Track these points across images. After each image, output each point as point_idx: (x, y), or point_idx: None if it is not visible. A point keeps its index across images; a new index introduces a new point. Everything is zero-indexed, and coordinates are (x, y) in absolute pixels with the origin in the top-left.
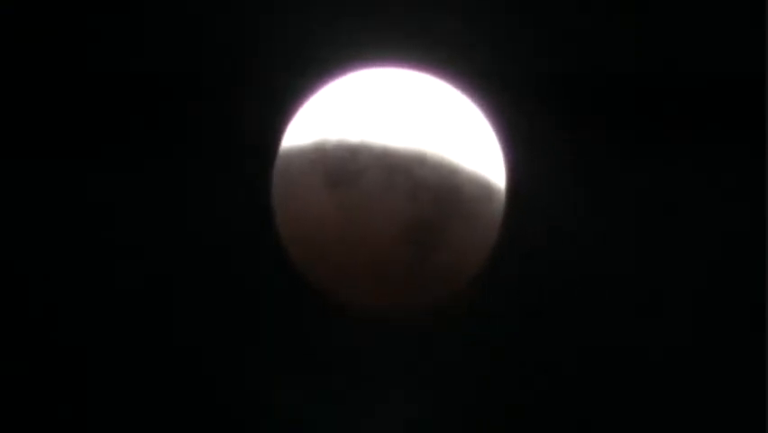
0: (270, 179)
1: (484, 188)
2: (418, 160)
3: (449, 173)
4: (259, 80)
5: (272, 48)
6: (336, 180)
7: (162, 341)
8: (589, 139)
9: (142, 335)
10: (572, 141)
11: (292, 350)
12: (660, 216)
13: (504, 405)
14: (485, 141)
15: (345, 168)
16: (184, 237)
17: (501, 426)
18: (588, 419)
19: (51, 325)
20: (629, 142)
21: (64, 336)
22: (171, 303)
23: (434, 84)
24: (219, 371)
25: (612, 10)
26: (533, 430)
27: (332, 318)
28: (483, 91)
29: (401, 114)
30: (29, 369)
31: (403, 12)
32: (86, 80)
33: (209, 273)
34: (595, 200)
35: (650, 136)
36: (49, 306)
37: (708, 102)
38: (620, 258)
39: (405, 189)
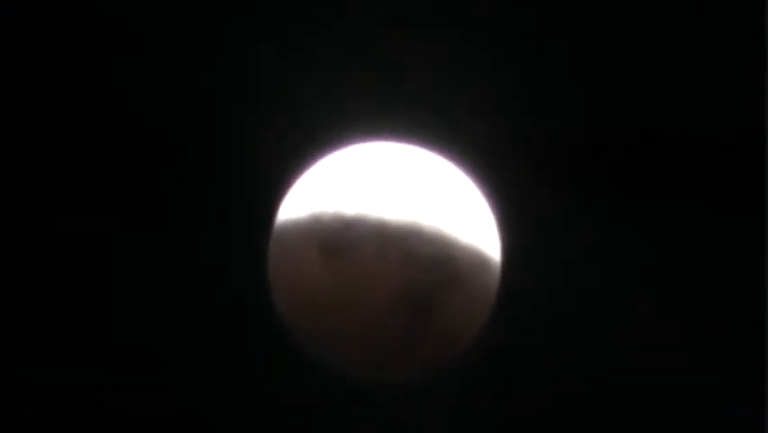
0: (267, 251)
1: (479, 260)
2: (413, 232)
3: (444, 245)
4: (256, 153)
5: (269, 121)
6: (332, 252)
7: (160, 409)
8: (584, 211)
9: (138, 400)
10: (566, 213)
11: (289, 419)
12: (658, 285)
13: None
14: (479, 213)
15: (341, 240)
16: (180, 307)
17: None
18: None
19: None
20: (624, 213)
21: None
22: (167, 373)
23: (429, 157)
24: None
25: (609, 74)
26: None
27: (328, 388)
28: (477, 164)
29: (397, 187)
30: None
31: (399, 87)
32: (85, 150)
33: (204, 343)
34: (590, 271)
35: (646, 205)
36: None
37: (708, 162)
38: (615, 327)
39: (400, 261)
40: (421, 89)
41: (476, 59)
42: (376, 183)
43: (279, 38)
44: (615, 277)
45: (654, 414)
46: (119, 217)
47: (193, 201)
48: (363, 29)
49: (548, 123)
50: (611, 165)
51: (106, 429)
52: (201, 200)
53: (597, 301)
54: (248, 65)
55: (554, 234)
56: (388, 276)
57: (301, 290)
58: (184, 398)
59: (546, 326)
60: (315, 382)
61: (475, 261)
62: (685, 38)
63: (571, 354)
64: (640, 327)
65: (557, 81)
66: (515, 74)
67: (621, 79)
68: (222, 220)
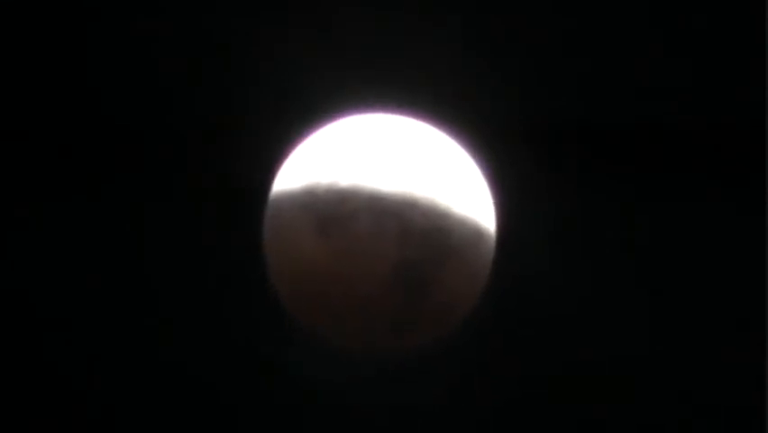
0: (262, 223)
1: (474, 232)
2: (408, 204)
3: (439, 217)
4: (250, 126)
5: (264, 93)
6: (327, 224)
7: (153, 383)
8: (577, 182)
9: (131, 369)
10: (560, 184)
11: (283, 391)
12: (650, 259)
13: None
14: (474, 185)
15: (336, 212)
16: (175, 280)
17: None
18: None
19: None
20: (618, 185)
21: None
22: (161, 345)
23: (424, 129)
24: (208, 412)
25: (602, 56)
26: None
27: (323, 360)
28: (472, 136)
29: (392, 158)
30: None
31: (394, 59)
32: (77, 123)
33: (201, 316)
34: (583, 243)
35: (639, 180)
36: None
37: (700, 149)
38: (608, 300)
39: (395, 233)
40: (417, 61)
41: (474, 31)
42: (371, 155)
43: (275, 9)
44: (609, 249)
45: (642, 374)
46: (112, 191)
47: (188, 174)
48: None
49: (546, 98)
50: (608, 141)
51: (100, 402)
52: (196, 173)
53: (590, 273)
54: (242, 37)
55: (549, 205)
56: (383, 249)
57: (296, 263)
58: (179, 371)
59: (540, 297)
60: (311, 356)
61: (470, 232)
62: (682, 24)
63: (566, 325)
64: (633, 298)
65: (558, 58)
66: (513, 48)
67: (621, 62)
68: (217, 193)
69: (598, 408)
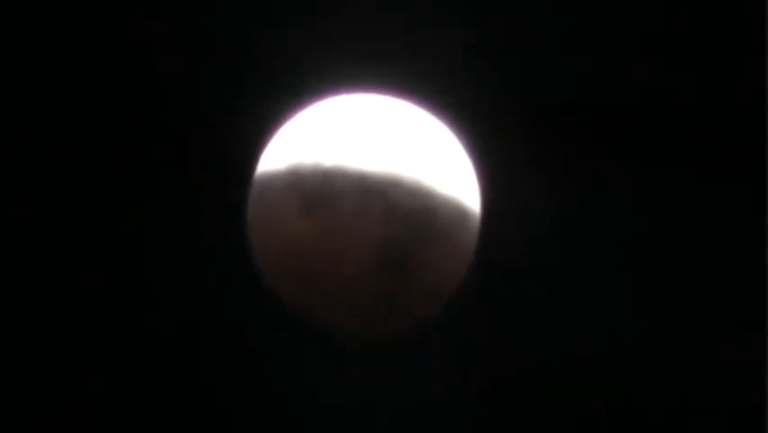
0: (246, 203)
1: (459, 212)
2: (394, 184)
3: (424, 197)
4: (234, 106)
5: (248, 74)
6: (311, 204)
7: (139, 366)
8: (562, 163)
9: (120, 355)
10: (546, 165)
11: (266, 371)
12: (635, 239)
13: (475, 420)
14: (460, 165)
15: (321, 191)
16: (159, 262)
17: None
18: None
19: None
20: (602, 167)
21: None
22: (147, 328)
23: (410, 109)
24: (195, 393)
25: (586, 37)
26: None
27: (306, 341)
28: (458, 116)
29: (377, 138)
30: None
31: (379, 39)
32: (76, 122)
33: (185, 296)
34: (567, 224)
35: (623, 161)
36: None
37: (699, 146)
38: (593, 281)
39: (380, 213)
40: (402, 41)
41: (460, 10)
42: (356, 135)
43: None
44: (595, 231)
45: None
46: (111, 191)
47: (173, 154)
48: None
49: (533, 80)
50: (595, 121)
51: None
52: (180, 153)
53: (576, 254)
54: (225, 19)
55: (534, 186)
56: (368, 228)
57: (281, 242)
58: (163, 351)
59: (525, 278)
60: (295, 336)
61: (455, 213)
62: (681, 22)
63: (551, 306)
64: (616, 281)
65: (548, 40)
66: (501, 29)
67: (613, 43)
68: (201, 173)
69: (597, 408)
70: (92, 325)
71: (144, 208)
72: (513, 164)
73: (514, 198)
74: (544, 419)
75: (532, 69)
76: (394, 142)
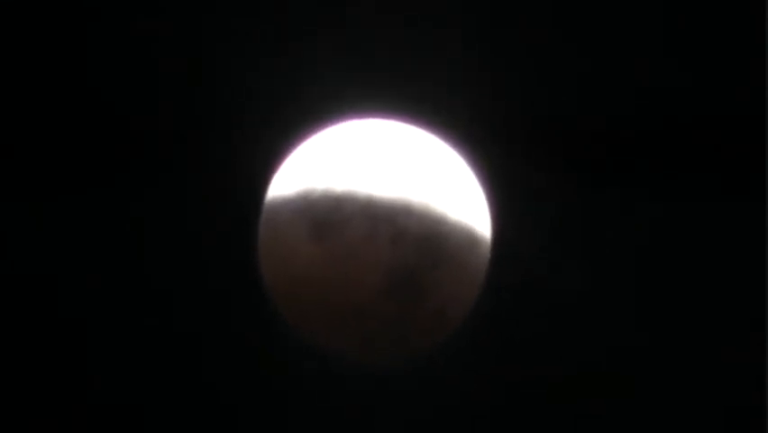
0: (257, 228)
1: (469, 238)
2: (403, 209)
3: (434, 222)
4: (245, 131)
5: (258, 99)
6: (321, 230)
7: (148, 390)
8: (574, 188)
9: (122, 375)
10: (556, 190)
11: (276, 396)
12: (646, 264)
13: None
14: (470, 190)
15: (330, 217)
16: (170, 286)
17: None
18: None
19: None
20: (615, 190)
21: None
22: (155, 354)
23: (419, 134)
24: (205, 420)
25: (601, 57)
26: None
27: (317, 366)
28: (467, 141)
29: (386, 164)
30: None
31: (389, 64)
32: (76, 122)
33: (196, 322)
34: (578, 250)
35: (637, 182)
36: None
37: (699, 149)
38: (603, 307)
39: (389, 239)
40: (411, 66)
41: (470, 36)
42: (365, 160)
43: (270, 15)
44: (607, 254)
45: (646, 378)
46: (111, 191)
47: (183, 179)
48: (354, 4)
49: (543, 103)
50: (603, 143)
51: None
52: (191, 178)
53: (588, 278)
54: (237, 43)
55: (545, 211)
56: (377, 255)
57: (291, 269)
58: (170, 375)
59: (536, 303)
60: (305, 362)
61: (465, 238)
62: (681, 24)
63: (562, 332)
64: (632, 301)
65: (554, 60)
66: (506, 52)
67: (620, 63)
68: (212, 198)
69: (597, 410)
70: (92, 325)
71: (152, 231)
72: (523, 190)
73: (525, 222)
74: None
75: (544, 93)
76: (403, 167)
